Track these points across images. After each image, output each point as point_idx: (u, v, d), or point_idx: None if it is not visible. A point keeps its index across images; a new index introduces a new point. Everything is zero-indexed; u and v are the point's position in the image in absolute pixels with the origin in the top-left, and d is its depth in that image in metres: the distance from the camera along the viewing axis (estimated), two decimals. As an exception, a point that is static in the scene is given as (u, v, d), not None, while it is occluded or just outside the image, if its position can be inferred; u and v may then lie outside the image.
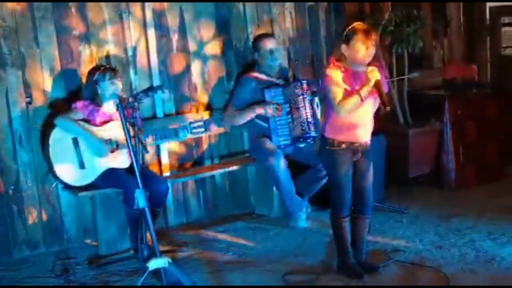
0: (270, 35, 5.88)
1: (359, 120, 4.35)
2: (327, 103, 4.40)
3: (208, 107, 5.92)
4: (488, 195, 6.15)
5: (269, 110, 5.57)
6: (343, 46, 4.31)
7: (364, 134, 4.43)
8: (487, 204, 5.87)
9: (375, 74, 4.19)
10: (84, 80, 5.24)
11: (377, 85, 4.21)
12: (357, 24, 4.32)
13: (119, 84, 4.99)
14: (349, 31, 4.29)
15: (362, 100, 4.20)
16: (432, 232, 5.28)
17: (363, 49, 4.23)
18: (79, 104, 4.98)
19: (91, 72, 5.05)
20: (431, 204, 5.99)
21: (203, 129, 5.10)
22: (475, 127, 6.50)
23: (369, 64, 4.28)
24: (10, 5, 5.03)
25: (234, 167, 5.80)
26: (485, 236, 5.12)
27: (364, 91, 4.20)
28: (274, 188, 5.72)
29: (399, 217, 5.67)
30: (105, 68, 5.04)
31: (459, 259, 4.71)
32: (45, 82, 5.22)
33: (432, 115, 6.45)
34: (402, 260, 4.73)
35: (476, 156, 6.51)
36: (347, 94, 4.24)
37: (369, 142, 4.49)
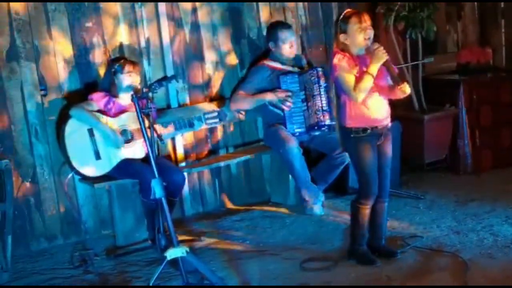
0: (287, 25, 5.80)
1: (375, 102, 4.35)
2: (340, 93, 4.39)
3: (222, 96, 5.91)
4: (504, 179, 6.11)
5: (280, 94, 5.54)
6: (342, 36, 4.34)
7: (383, 115, 4.41)
8: (504, 188, 5.83)
9: (383, 54, 4.22)
10: (99, 71, 5.28)
11: (386, 64, 4.27)
12: (347, 11, 4.39)
13: (136, 78, 5.00)
14: (342, 20, 4.34)
15: (373, 78, 4.23)
16: (450, 218, 5.26)
17: (361, 32, 4.29)
18: (95, 95, 5.01)
19: (111, 63, 5.08)
20: (448, 189, 5.96)
21: (217, 120, 5.12)
22: (491, 111, 6.47)
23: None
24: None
25: (249, 156, 5.80)
26: (503, 220, 5.09)
27: (373, 69, 4.23)
28: (290, 176, 5.71)
29: (416, 203, 5.65)
30: (125, 60, 5.05)
31: (477, 244, 4.69)
32: (59, 74, 5.23)
33: (447, 100, 6.41)
34: (420, 246, 4.72)
35: (492, 140, 6.48)
36: (358, 79, 4.26)
37: (390, 124, 4.48)
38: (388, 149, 4.49)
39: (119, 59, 5.09)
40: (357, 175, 4.52)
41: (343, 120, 4.42)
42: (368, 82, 4.23)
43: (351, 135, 4.38)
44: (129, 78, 4.95)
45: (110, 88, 5.03)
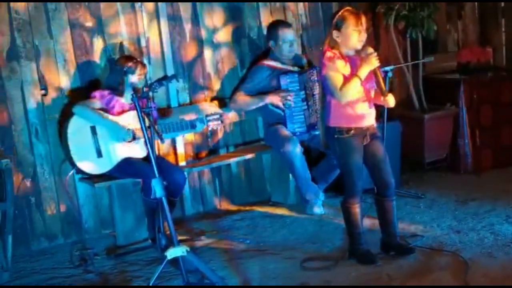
0: (288, 24, 5.79)
1: (360, 104, 4.33)
2: (327, 92, 4.37)
3: (222, 95, 5.91)
4: (505, 178, 6.11)
5: (281, 95, 5.55)
6: (335, 33, 4.29)
7: (368, 117, 4.39)
8: (504, 187, 5.83)
9: (375, 61, 4.20)
10: (99, 70, 5.29)
11: (375, 71, 4.25)
12: (346, 10, 4.31)
13: (143, 79, 5.02)
14: (339, 17, 4.28)
15: (361, 81, 4.21)
16: (450, 217, 5.26)
17: (355, 34, 4.25)
18: (98, 93, 5.00)
19: (122, 62, 5.05)
20: (448, 188, 5.96)
21: (219, 122, 5.12)
22: (491, 111, 6.47)
23: (363, 49, 4.29)
24: (23, -3, 5.06)
25: (250, 155, 5.80)
26: (504, 219, 5.09)
27: (363, 73, 4.21)
28: (290, 176, 5.71)
29: (416, 202, 5.65)
30: (137, 61, 5.04)
31: (477, 243, 4.69)
32: (59, 74, 5.23)
33: (447, 100, 6.41)
34: (420, 245, 4.71)
35: (492, 139, 6.49)
36: (346, 80, 4.23)
37: (375, 125, 4.46)
38: (378, 147, 4.44)
39: (131, 59, 5.06)
40: (342, 174, 4.51)
41: (327, 119, 4.40)
42: (355, 84, 4.21)
43: (335, 135, 4.37)
44: (138, 79, 4.97)
45: (118, 87, 5.01)
